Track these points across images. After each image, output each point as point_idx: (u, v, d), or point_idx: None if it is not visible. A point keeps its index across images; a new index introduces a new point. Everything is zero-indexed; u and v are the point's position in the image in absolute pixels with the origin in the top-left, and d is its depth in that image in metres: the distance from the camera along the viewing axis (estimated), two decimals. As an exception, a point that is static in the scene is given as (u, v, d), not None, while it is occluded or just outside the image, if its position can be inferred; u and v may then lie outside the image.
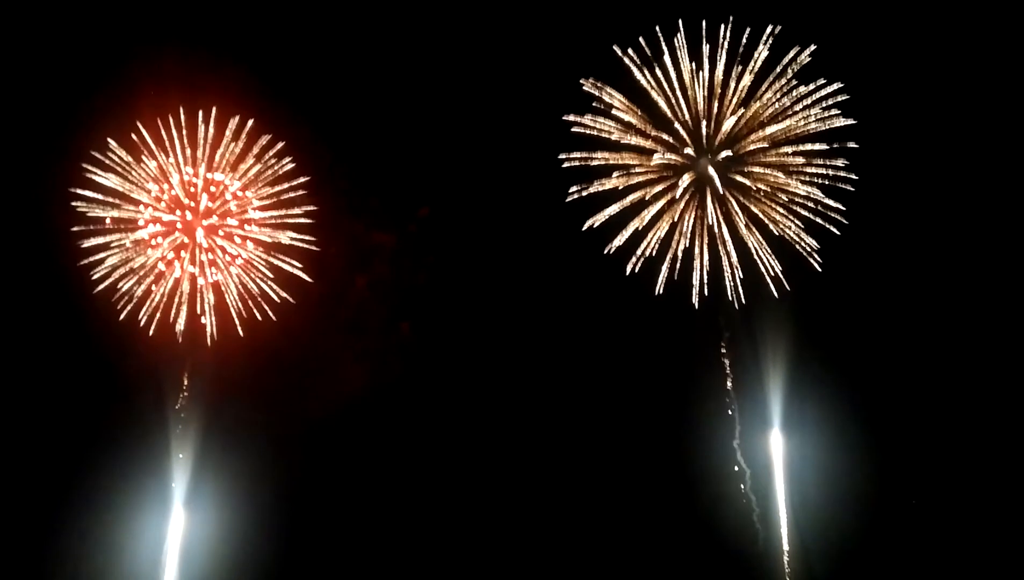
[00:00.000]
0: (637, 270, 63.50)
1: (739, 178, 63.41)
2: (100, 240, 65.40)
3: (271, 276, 66.43)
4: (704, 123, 62.65)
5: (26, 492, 60.11)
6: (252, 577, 60.40)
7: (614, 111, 63.06)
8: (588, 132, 63.11)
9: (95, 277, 65.18)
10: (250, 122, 66.72)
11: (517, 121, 66.57)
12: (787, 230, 62.87)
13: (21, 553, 58.66)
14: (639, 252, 63.63)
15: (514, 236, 67.58)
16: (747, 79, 61.96)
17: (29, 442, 61.56)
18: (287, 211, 66.87)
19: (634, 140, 63.29)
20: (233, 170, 66.53)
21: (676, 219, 63.59)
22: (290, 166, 66.41)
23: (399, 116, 68.61)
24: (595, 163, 63.49)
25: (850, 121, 61.57)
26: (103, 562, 59.75)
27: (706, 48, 61.73)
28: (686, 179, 63.42)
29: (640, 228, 63.59)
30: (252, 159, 66.69)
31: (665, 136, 63.27)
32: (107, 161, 65.39)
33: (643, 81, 62.66)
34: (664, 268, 63.71)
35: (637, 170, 63.74)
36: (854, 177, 61.61)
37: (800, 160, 62.22)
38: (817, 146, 62.11)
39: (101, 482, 61.52)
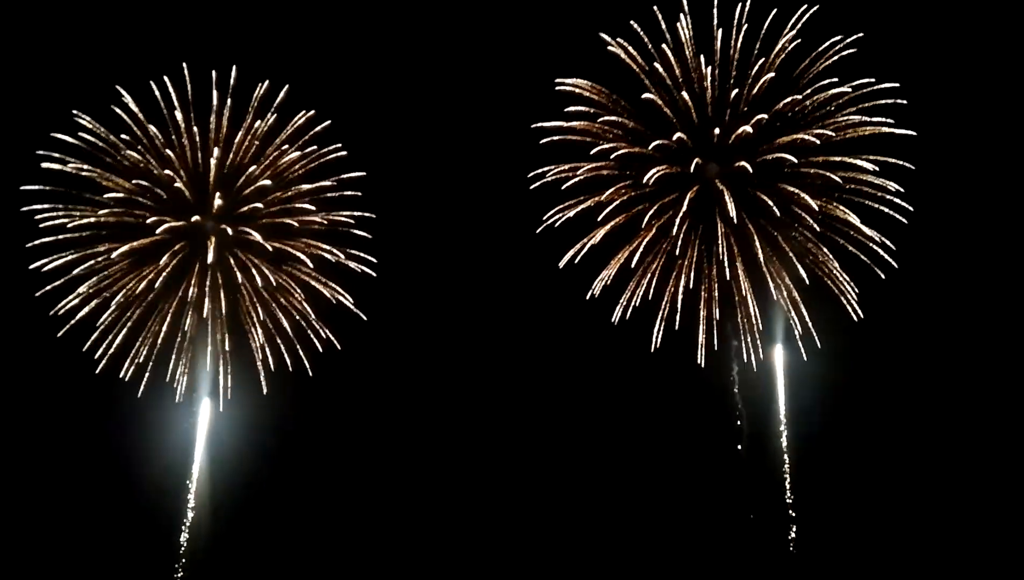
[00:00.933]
0: (627, 318, 58.01)
1: (757, 195, 57.13)
2: (65, 257, 53.95)
3: (310, 311, 56.27)
4: (715, 127, 56.87)
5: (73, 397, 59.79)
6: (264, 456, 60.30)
7: (599, 117, 57.48)
8: (565, 141, 57.59)
9: (60, 313, 53.98)
10: (284, 90, 55.50)
11: (475, 130, 60.62)
12: (820, 269, 56.95)
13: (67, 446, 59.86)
14: (629, 294, 57.95)
15: (471, 279, 61.49)
16: (770, 73, 56.20)
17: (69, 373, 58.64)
18: (330, 216, 56.26)
19: (624, 149, 57.32)
20: (259, 158, 55.32)
21: (676, 251, 57.52)
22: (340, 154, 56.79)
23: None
24: (574, 180, 57.62)
25: (906, 131, 55.67)
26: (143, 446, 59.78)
27: (719, 35, 56.54)
28: (689, 198, 57.25)
29: (631, 263, 57.62)
30: (285, 144, 56.01)
31: (664, 143, 57.27)
32: (74, 141, 53.74)
33: (640, 75, 56.70)
34: (661, 316, 57.88)
35: (628, 187, 57.45)
36: (908, 208, 55.54)
37: (836, 179, 56.09)
38: (860, 161, 55.97)
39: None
